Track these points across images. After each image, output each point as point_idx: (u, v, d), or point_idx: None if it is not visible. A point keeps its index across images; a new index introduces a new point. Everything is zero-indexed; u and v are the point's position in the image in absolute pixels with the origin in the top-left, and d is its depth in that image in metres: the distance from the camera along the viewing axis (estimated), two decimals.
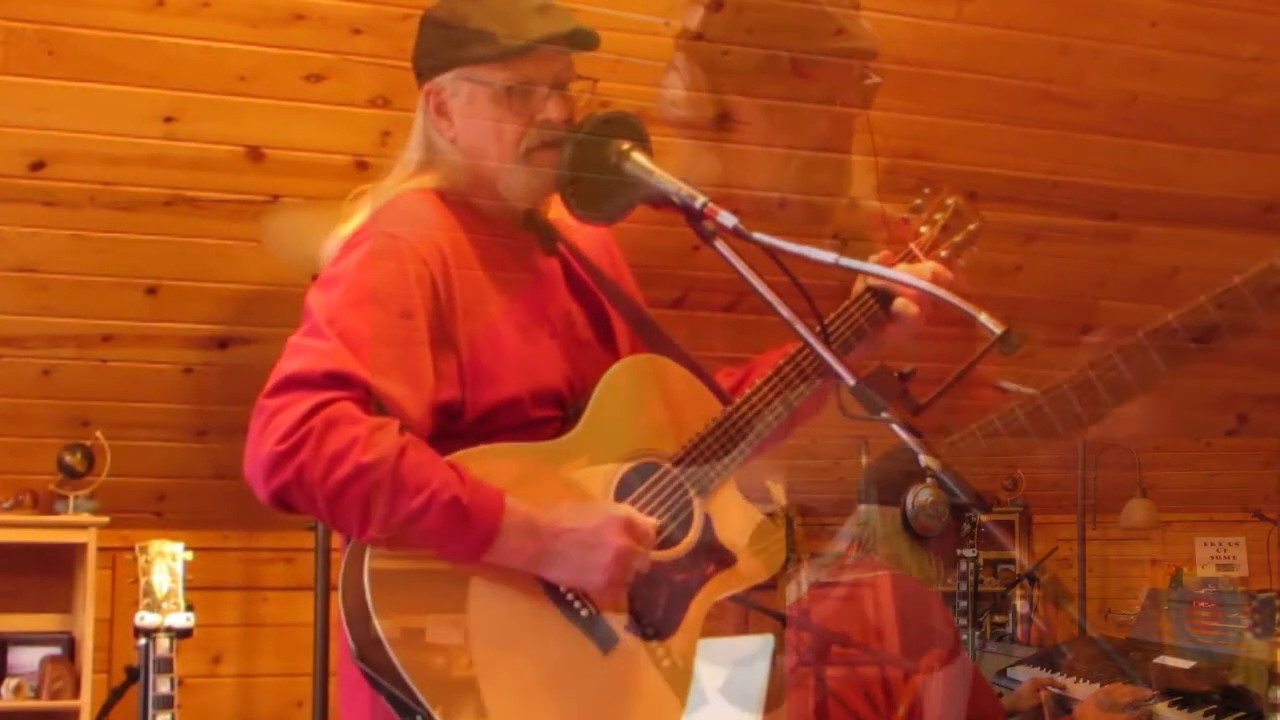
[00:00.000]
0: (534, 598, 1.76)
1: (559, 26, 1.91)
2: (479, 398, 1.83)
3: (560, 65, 1.94)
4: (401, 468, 1.68)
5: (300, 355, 1.75)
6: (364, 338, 1.76)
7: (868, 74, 2.32)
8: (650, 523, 1.80)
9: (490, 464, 1.77)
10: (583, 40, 1.94)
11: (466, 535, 1.71)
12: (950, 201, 2.06)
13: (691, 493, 1.87)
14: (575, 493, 1.81)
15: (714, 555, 1.88)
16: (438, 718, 1.64)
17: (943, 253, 2.05)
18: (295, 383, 1.71)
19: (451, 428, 1.81)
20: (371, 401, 1.74)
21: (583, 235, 2.03)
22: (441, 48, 1.95)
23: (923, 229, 2.07)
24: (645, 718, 1.78)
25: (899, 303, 2.00)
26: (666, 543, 1.84)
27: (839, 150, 2.32)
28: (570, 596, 1.77)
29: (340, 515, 1.69)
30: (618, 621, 1.78)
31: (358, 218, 1.90)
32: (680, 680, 1.79)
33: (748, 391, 1.94)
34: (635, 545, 1.76)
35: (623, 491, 1.85)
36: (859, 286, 2.02)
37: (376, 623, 1.66)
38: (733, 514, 1.91)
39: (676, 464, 1.88)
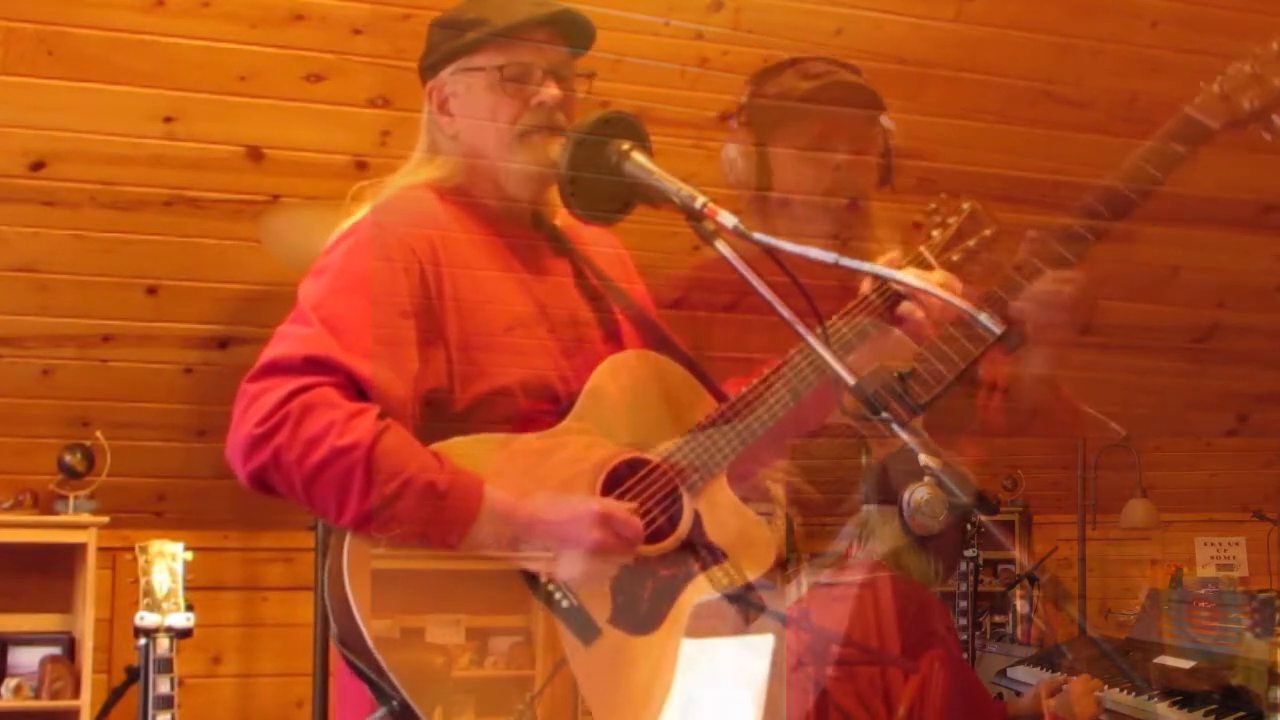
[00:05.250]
0: (514, 588, 1.76)
1: (549, 10, 1.96)
2: (468, 388, 1.84)
3: (556, 56, 1.97)
4: (376, 452, 1.69)
5: (283, 341, 1.78)
6: (348, 324, 1.78)
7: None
8: (635, 519, 1.79)
9: (474, 453, 1.77)
10: (572, 23, 1.97)
11: (442, 521, 1.72)
12: (966, 206, 2.03)
13: (682, 488, 1.86)
14: (559, 484, 1.81)
15: (702, 552, 1.86)
16: (412, 705, 1.65)
17: (954, 257, 2.03)
18: (276, 368, 1.74)
19: (443, 418, 1.82)
20: (352, 387, 1.75)
21: (596, 246, 2.06)
22: (440, 44, 2.00)
23: (934, 233, 2.04)
24: (625, 712, 1.77)
25: (905, 306, 1.98)
26: (654, 537, 1.83)
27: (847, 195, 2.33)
28: (551, 587, 1.76)
29: (316, 498, 1.71)
30: (600, 614, 1.77)
31: (358, 214, 1.92)
32: (662, 676, 1.77)
33: (744, 390, 1.93)
34: (612, 538, 1.76)
35: (612, 484, 1.84)
36: (865, 287, 2.01)
37: (355, 609, 1.67)
38: (724, 512, 1.89)
39: (667, 459, 1.87)
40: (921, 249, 2.02)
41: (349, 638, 1.69)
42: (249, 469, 1.73)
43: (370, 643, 1.66)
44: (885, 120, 2.36)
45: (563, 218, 2.01)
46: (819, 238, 2.26)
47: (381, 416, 1.73)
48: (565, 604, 1.76)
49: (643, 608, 1.79)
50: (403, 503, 1.69)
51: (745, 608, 1.88)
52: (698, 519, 1.87)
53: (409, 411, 1.79)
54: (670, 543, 1.84)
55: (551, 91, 1.94)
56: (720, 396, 1.96)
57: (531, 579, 1.77)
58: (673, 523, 1.85)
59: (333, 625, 1.72)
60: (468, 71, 1.96)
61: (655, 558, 1.82)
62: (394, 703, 1.66)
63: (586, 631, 1.76)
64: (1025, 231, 2.00)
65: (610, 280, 2.06)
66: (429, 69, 2.01)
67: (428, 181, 1.97)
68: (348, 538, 1.72)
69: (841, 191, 2.27)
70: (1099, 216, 1.97)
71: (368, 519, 1.70)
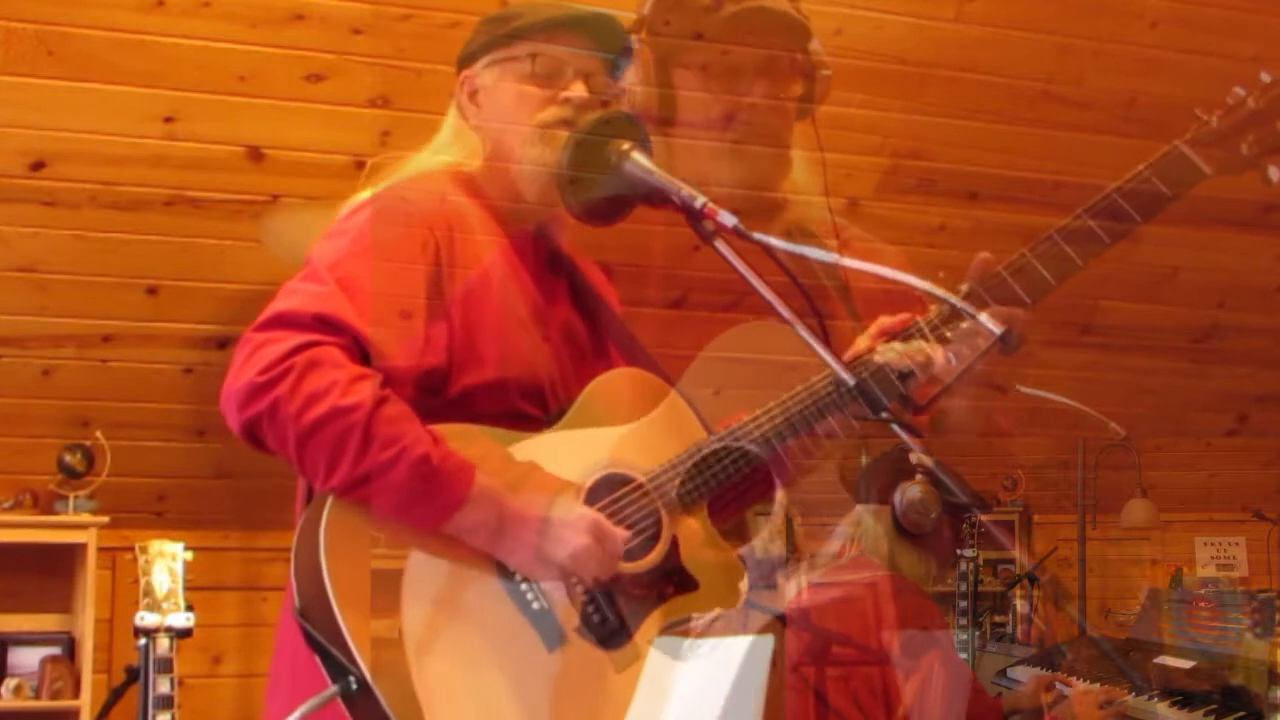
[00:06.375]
0: (487, 581, 1.73)
1: (586, 12, 1.97)
2: (464, 373, 1.83)
3: (591, 62, 1.97)
4: (377, 418, 1.67)
5: (294, 296, 1.77)
6: (361, 287, 1.77)
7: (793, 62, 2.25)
8: (621, 533, 1.78)
9: (464, 441, 1.75)
10: (608, 30, 1.98)
11: (432, 498, 1.69)
12: (964, 287, 1.97)
13: (662, 511, 1.85)
14: (542, 489, 1.79)
15: (675, 578, 1.84)
16: (370, 682, 1.60)
17: (948, 334, 1.96)
18: (284, 320, 1.73)
19: (435, 403, 1.80)
20: (358, 351, 1.73)
21: (588, 267, 2.07)
22: (477, 36, 2.02)
23: (932, 308, 1.98)
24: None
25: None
26: (630, 556, 1.81)
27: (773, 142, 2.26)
28: (524, 587, 1.75)
29: (309, 456, 1.68)
30: (569, 622, 1.75)
31: (377, 186, 1.92)
32: (620, 694, 1.74)
33: (734, 425, 1.92)
34: (596, 547, 1.74)
35: (593, 498, 1.82)
36: (859, 345, 1.97)
37: (326, 577, 1.64)
38: (700, 541, 1.88)
39: (651, 481, 1.86)
40: (920, 321, 1.97)
41: (312, 607, 1.65)
42: (244, 417, 1.70)
43: (337, 610, 1.62)
44: (814, 44, 2.29)
45: (569, 235, 2.02)
46: (726, 181, 2.22)
47: (383, 385, 1.72)
48: (536, 606, 1.74)
49: (610, 624, 1.78)
50: (395, 472, 1.66)
51: (757, 609, 1.87)
52: (674, 545, 1.85)
53: (407, 387, 1.77)
54: (645, 564, 1.82)
55: (579, 90, 1.94)
56: (707, 425, 1.95)
57: (507, 576, 1.75)
58: (649, 545, 1.84)
59: (295, 597, 1.68)
60: (501, 62, 1.97)
61: (629, 577, 1.81)
62: (351, 678, 1.60)
63: (552, 637, 1.74)
64: (978, 256, 1.96)
65: (603, 302, 2.06)
66: (465, 59, 2.02)
67: (448, 167, 1.98)
68: (329, 502, 1.69)
69: (751, 127, 2.23)
70: (1065, 257, 1.93)
71: (357, 484, 1.68)
